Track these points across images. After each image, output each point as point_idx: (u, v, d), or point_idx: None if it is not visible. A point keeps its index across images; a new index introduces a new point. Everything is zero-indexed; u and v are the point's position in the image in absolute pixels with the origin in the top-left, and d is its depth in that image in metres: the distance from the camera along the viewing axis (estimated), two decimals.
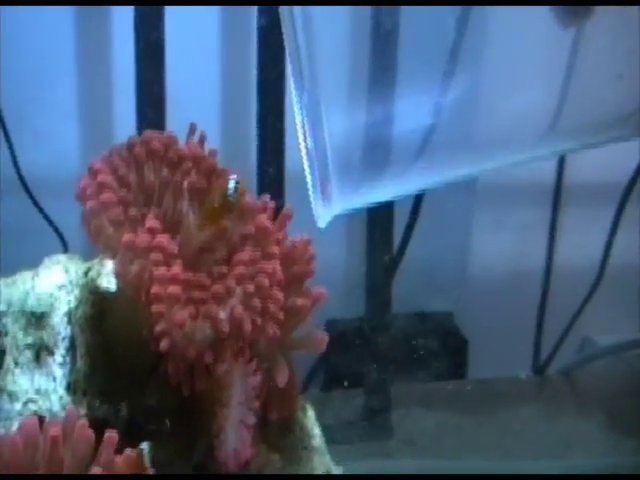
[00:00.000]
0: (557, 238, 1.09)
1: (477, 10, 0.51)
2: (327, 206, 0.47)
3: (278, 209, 0.92)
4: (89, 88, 0.99)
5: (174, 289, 0.44)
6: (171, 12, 0.87)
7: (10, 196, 0.95)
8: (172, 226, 0.48)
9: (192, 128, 0.50)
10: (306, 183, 0.51)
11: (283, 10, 0.45)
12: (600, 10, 0.50)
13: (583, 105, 0.54)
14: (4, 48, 0.91)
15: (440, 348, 1.08)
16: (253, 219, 0.48)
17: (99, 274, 0.51)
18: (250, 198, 0.50)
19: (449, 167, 0.55)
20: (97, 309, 0.50)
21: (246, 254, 0.46)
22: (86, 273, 0.52)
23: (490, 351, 1.07)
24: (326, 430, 0.59)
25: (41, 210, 0.93)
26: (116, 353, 0.49)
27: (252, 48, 0.89)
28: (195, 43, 0.97)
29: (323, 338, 0.54)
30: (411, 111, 0.51)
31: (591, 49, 0.52)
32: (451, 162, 0.54)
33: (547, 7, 0.50)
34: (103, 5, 0.94)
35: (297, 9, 0.44)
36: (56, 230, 0.94)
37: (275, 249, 0.48)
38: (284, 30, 0.45)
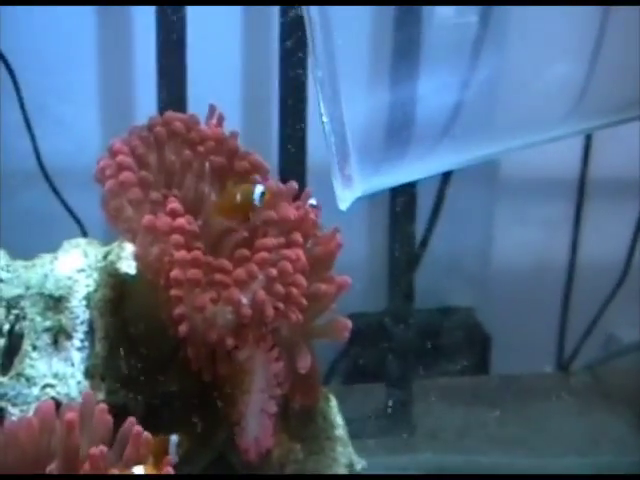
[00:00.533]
0: (581, 233, 1.07)
1: None
2: (348, 187, 0.46)
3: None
4: (111, 76, 0.98)
5: (194, 272, 0.43)
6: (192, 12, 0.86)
7: (31, 185, 0.94)
8: (194, 207, 0.47)
9: (211, 110, 0.49)
10: (328, 171, 0.50)
11: None
12: None
13: (609, 82, 0.53)
14: (25, 38, 0.90)
15: (463, 343, 1.07)
16: (277, 206, 0.47)
17: (119, 257, 0.50)
18: (275, 184, 0.49)
19: (473, 147, 0.54)
20: (116, 293, 0.49)
21: (269, 240, 0.45)
22: (105, 257, 0.51)
23: (513, 346, 1.06)
24: (348, 424, 0.58)
25: (62, 199, 0.93)
26: (135, 337, 0.48)
27: (274, 30, 0.88)
28: (217, 30, 0.96)
29: (346, 325, 0.53)
30: (434, 90, 0.50)
31: (620, 24, 0.51)
32: (475, 142, 0.53)
33: None
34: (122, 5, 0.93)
35: None
36: (76, 219, 0.93)
37: (298, 236, 0.47)
38: (303, 9, 0.44)
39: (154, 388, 0.48)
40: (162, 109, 0.88)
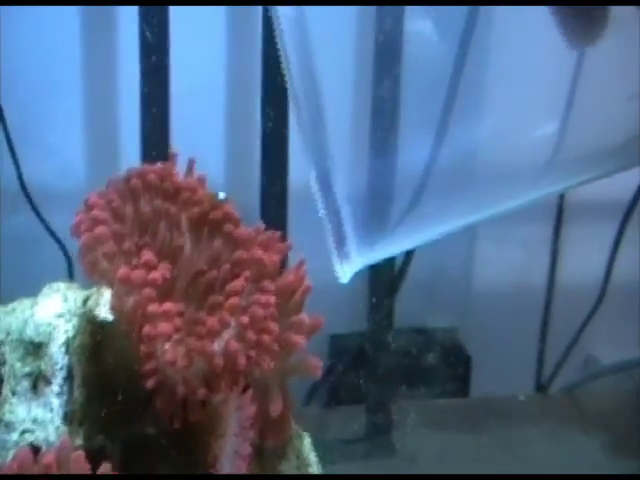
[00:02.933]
0: (559, 255, 1.09)
1: (476, 48, 0.51)
2: (346, 264, 0.47)
3: (281, 224, 0.92)
4: (95, 101, 1.00)
5: (165, 327, 0.44)
6: (176, 28, 0.88)
7: (15, 209, 0.96)
8: (169, 257, 0.48)
9: (190, 164, 0.51)
10: (309, 197, 0.51)
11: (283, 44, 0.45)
12: (609, 29, 0.50)
13: (589, 133, 0.54)
14: (10, 62, 0.92)
15: (444, 364, 1.09)
16: (247, 249, 0.49)
17: (97, 303, 0.52)
18: (244, 227, 0.50)
19: (454, 214, 0.54)
20: (94, 339, 0.50)
21: (239, 284, 0.46)
22: (85, 302, 0.53)
23: (493, 368, 1.07)
24: (327, 447, 0.59)
25: (45, 224, 0.94)
26: (113, 383, 0.49)
27: (257, 60, 0.90)
28: (200, 57, 0.98)
29: (317, 364, 0.54)
30: (415, 158, 0.52)
31: (599, 71, 0.52)
32: (455, 208, 0.54)
33: (554, 30, 0.50)
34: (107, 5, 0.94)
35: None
36: (60, 244, 0.94)
37: (269, 282, 0.49)
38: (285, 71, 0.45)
39: (131, 432, 0.49)
40: (145, 134, 0.90)
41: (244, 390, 0.51)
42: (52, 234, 0.94)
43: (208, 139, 1.02)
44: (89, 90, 0.99)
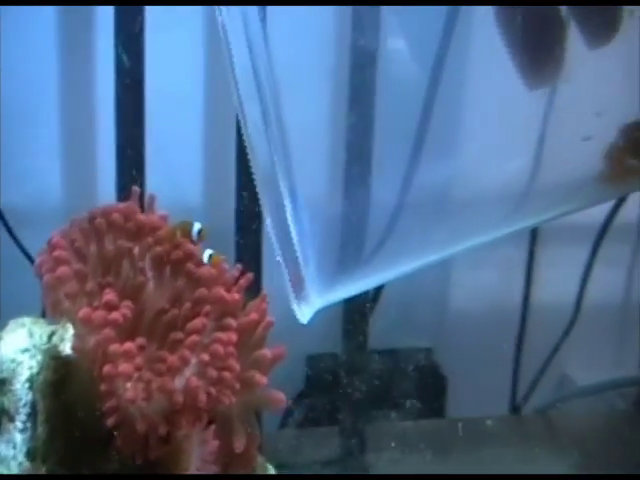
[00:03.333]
0: (534, 276, 1.10)
1: (451, 75, 0.50)
2: (305, 305, 0.47)
3: (256, 243, 0.93)
4: (72, 125, 1.00)
5: (126, 367, 0.45)
6: (152, 49, 0.88)
7: None
8: (132, 295, 0.49)
9: (150, 200, 0.51)
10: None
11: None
12: (568, 70, 0.50)
13: (556, 171, 0.55)
14: None
15: (419, 385, 1.09)
16: (209, 287, 0.49)
17: (62, 339, 0.52)
18: (207, 266, 0.51)
19: (424, 250, 0.54)
20: (59, 375, 0.51)
21: (199, 322, 0.47)
22: (50, 337, 0.53)
23: (469, 388, 1.08)
24: (300, 470, 0.60)
25: (22, 248, 0.94)
26: (76, 419, 0.50)
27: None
28: (177, 86, 0.99)
29: (280, 398, 0.55)
30: (387, 191, 0.51)
31: (561, 111, 0.53)
32: (426, 244, 0.54)
33: (515, 70, 0.50)
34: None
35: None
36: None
37: (231, 320, 0.49)
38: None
39: (94, 468, 0.50)
40: (121, 159, 0.91)
41: (208, 425, 0.52)
42: (29, 258, 0.95)
43: (185, 160, 1.03)
44: (66, 114, 1.00)
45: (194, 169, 1.04)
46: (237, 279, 0.52)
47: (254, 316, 0.53)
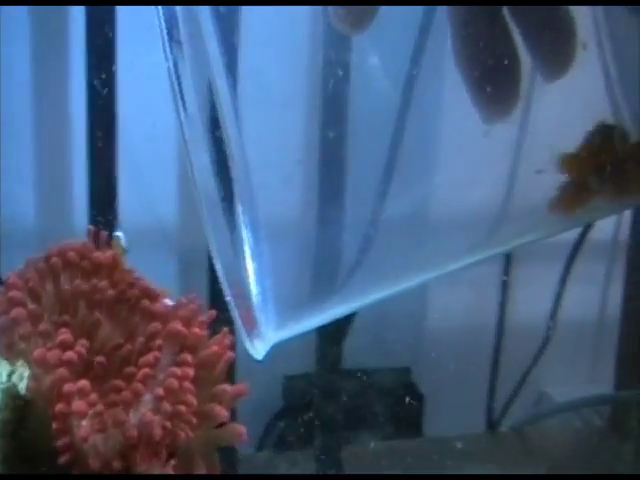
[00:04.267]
0: (509, 294, 1.11)
1: (419, 111, 0.50)
2: (258, 342, 0.45)
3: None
4: (46, 149, 1.01)
5: (80, 405, 0.45)
6: (125, 77, 0.89)
7: None
8: (87, 334, 0.50)
9: (95, 235, 0.52)
10: None
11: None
12: (526, 103, 0.50)
13: (521, 200, 0.55)
14: None
15: (396, 404, 1.10)
16: (164, 323, 0.50)
17: (21, 378, 0.52)
18: (163, 303, 0.52)
19: (396, 278, 0.53)
20: (17, 415, 0.51)
21: (151, 356, 0.48)
22: (10, 376, 0.53)
23: (446, 407, 1.09)
24: None
25: None
26: (34, 459, 0.50)
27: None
28: (150, 108, 0.99)
29: (241, 431, 0.55)
30: (353, 223, 0.50)
31: (542, 127, 0.53)
32: (396, 274, 0.53)
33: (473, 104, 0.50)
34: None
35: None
36: None
37: (188, 355, 0.50)
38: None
39: None
40: (94, 186, 0.91)
41: (168, 459, 0.52)
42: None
43: (159, 183, 1.03)
44: (39, 137, 1.01)
45: (169, 192, 1.04)
46: (195, 314, 0.53)
47: (215, 350, 0.54)
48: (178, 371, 0.49)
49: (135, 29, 0.89)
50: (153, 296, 0.51)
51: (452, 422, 1.07)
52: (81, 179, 0.93)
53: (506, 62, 0.42)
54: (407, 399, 1.10)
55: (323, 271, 0.51)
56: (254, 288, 0.45)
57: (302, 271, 0.51)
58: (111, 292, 0.50)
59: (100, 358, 0.49)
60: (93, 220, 0.91)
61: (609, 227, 1.15)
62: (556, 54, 0.41)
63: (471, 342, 1.12)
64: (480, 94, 0.43)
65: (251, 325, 0.46)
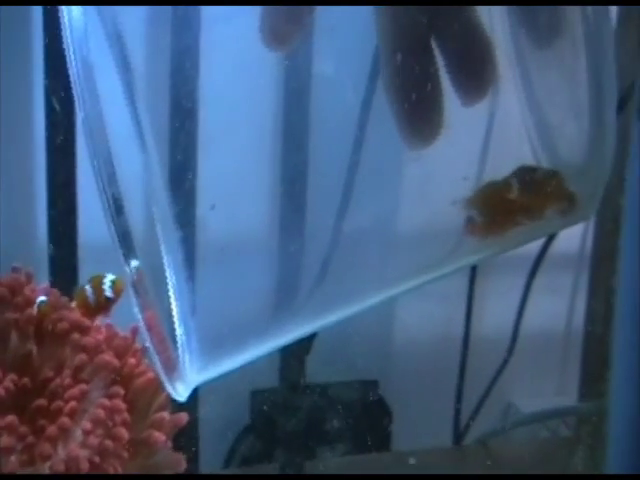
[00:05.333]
0: (476, 306, 1.11)
1: (379, 121, 0.50)
2: (181, 382, 0.41)
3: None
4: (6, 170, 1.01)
5: (7, 440, 0.46)
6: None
7: None
8: (18, 367, 0.50)
9: (29, 277, 0.52)
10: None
11: None
12: (447, 127, 0.50)
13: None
14: None
15: (365, 418, 1.10)
16: (94, 355, 0.51)
17: None
18: (94, 334, 0.52)
19: (354, 299, 0.51)
20: None
21: (77, 390, 0.48)
22: None
23: (415, 420, 1.09)
24: None
25: None
26: None
27: None
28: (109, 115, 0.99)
29: (179, 459, 0.56)
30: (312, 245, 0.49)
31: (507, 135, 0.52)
32: (355, 294, 0.51)
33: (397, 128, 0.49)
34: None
35: None
36: None
37: (118, 387, 0.50)
38: None
39: None
40: (53, 207, 0.92)
41: None
42: None
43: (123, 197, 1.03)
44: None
45: (134, 204, 1.04)
46: (129, 344, 0.53)
47: (151, 377, 0.54)
48: (107, 403, 0.50)
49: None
50: (85, 327, 0.52)
51: (420, 436, 1.07)
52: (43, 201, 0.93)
53: (431, 90, 0.43)
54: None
55: (283, 291, 0.49)
56: (178, 329, 0.44)
57: (234, 307, 0.49)
58: (41, 325, 0.51)
59: (30, 392, 0.50)
60: (52, 240, 0.92)
61: (575, 239, 1.16)
62: (474, 80, 0.42)
63: (439, 354, 1.12)
64: (406, 122, 0.44)
65: (171, 368, 0.44)
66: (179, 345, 0.42)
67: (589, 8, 0.37)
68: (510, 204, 0.41)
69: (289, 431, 1.04)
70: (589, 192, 0.39)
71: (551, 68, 0.43)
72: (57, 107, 0.91)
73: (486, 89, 0.42)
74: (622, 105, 0.87)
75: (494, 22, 0.43)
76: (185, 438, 0.93)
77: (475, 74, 0.42)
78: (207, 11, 0.41)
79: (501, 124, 0.45)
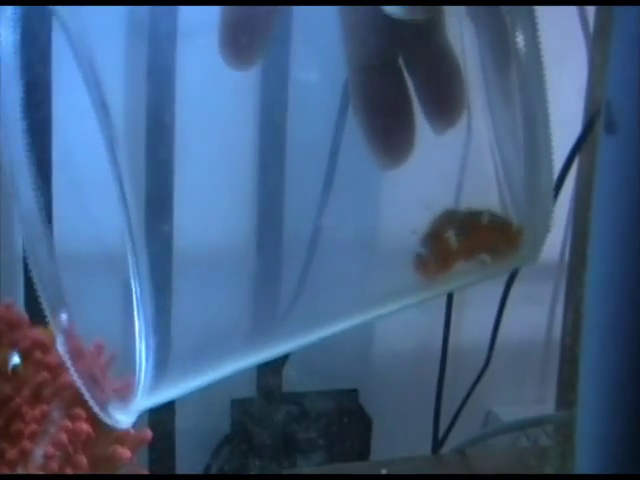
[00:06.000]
0: (455, 315, 1.12)
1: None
2: (121, 412, 0.39)
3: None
4: None
5: None
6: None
7: None
8: None
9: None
10: None
11: None
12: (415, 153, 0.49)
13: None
14: None
15: (344, 427, 1.11)
16: (57, 374, 0.51)
17: None
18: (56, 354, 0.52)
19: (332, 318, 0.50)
20: None
21: (38, 411, 0.48)
22: None
23: (393, 429, 1.10)
24: None
25: None
26: None
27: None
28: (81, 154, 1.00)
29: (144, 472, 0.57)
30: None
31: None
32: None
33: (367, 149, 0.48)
34: None
35: None
36: None
37: (80, 410, 0.51)
38: None
39: None
40: None
41: None
42: None
43: (101, 209, 1.04)
44: None
45: (113, 215, 1.05)
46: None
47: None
48: (69, 425, 0.50)
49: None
50: (46, 346, 0.52)
51: (400, 445, 1.08)
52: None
53: (401, 112, 0.43)
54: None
55: (259, 308, 0.48)
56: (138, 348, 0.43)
57: (205, 326, 0.48)
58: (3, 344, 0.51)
59: None
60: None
61: (556, 247, 1.16)
62: (444, 106, 0.42)
63: (420, 363, 1.13)
64: (376, 142, 0.43)
65: (104, 399, 0.42)
66: (137, 366, 0.42)
67: (520, 46, 0.37)
68: (451, 244, 0.41)
69: (267, 440, 1.05)
70: (531, 232, 0.39)
71: (509, 100, 0.43)
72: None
73: (456, 116, 0.42)
74: (594, 121, 0.88)
75: (465, 47, 0.42)
76: (160, 449, 0.94)
77: (444, 100, 0.42)
78: (183, 23, 0.42)
79: (471, 153, 0.45)
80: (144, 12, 0.40)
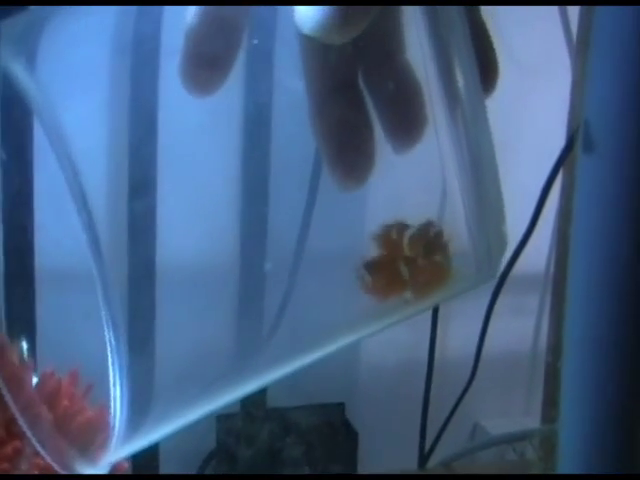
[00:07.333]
0: (442, 329, 1.12)
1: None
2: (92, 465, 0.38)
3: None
4: None
5: None
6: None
7: None
8: None
9: None
10: None
11: None
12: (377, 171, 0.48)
13: None
14: None
15: (331, 441, 1.10)
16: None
17: None
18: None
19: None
20: None
21: (10, 448, 0.48)
22: None
23: (381, 443, 1.09)
24: None
25: None
26: None
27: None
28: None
29: None
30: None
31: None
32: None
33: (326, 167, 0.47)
34: None
35: None
36: None
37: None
38: None
39: None
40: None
41: None
42: None
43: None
44: None
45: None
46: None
47: (90, 416, 0.54)
48: (42, 462, 0.49)
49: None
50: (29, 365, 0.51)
51: (386, 459, 1.07)
52: None
53: (360, 133, 0.42)
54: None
55: (245, 332, 0.47)
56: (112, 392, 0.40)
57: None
58: None
59: None
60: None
61: (542, 259, 1.16)
62: (405, 126, 0.41)
63: (406, 376, 1.12)
64: (334, 163, 0.42)
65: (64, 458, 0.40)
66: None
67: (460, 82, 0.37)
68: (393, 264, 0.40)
69: (253, 455, 1.04)
70: (483, 250, 0.38)
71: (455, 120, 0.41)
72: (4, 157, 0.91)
73: (416, 136, 0.41)
74: (575, 137, 0.88)
75: (427, 65, 0.42)
76: (145, 465, 0.93)
77: (404, 120, 0.41)
78: (166, 41, 0.42)
79: (431, 173, 0.44)
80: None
